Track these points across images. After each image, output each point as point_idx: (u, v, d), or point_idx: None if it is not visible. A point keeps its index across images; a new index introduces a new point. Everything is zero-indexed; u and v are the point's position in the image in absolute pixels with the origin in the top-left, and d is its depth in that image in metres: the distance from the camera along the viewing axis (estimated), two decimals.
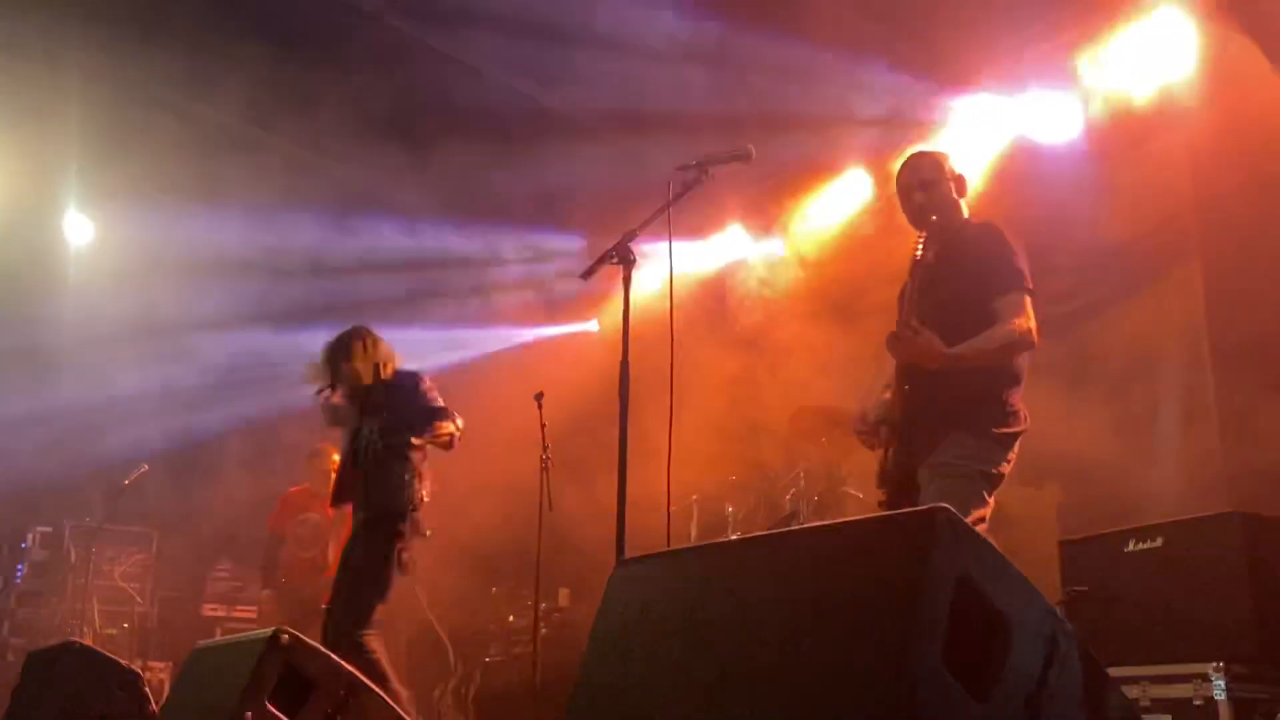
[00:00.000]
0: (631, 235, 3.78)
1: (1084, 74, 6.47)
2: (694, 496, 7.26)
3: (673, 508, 3.99)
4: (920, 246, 3.76)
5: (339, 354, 5.76)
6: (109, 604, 8.04)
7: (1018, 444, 3.68)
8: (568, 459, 6.29)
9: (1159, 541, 4.65)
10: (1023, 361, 3.77)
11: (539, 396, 6.08)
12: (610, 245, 3.76)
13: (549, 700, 6.02)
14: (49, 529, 8.25)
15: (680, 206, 3.81)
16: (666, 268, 3.90)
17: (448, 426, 5.58)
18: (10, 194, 7.68)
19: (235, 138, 7.06)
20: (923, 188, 3.91)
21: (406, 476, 5.54)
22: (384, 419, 5.56)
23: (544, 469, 6.03)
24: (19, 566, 8.20)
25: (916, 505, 3.56)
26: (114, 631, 7.93)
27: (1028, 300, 3.67)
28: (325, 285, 9.16)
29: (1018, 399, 3.72)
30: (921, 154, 4.12)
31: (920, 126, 7.03)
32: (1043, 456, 6.75)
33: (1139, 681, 4.41)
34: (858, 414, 3.98)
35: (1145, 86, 6.25)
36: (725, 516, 7.05)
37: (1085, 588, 4.84)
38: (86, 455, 8.00)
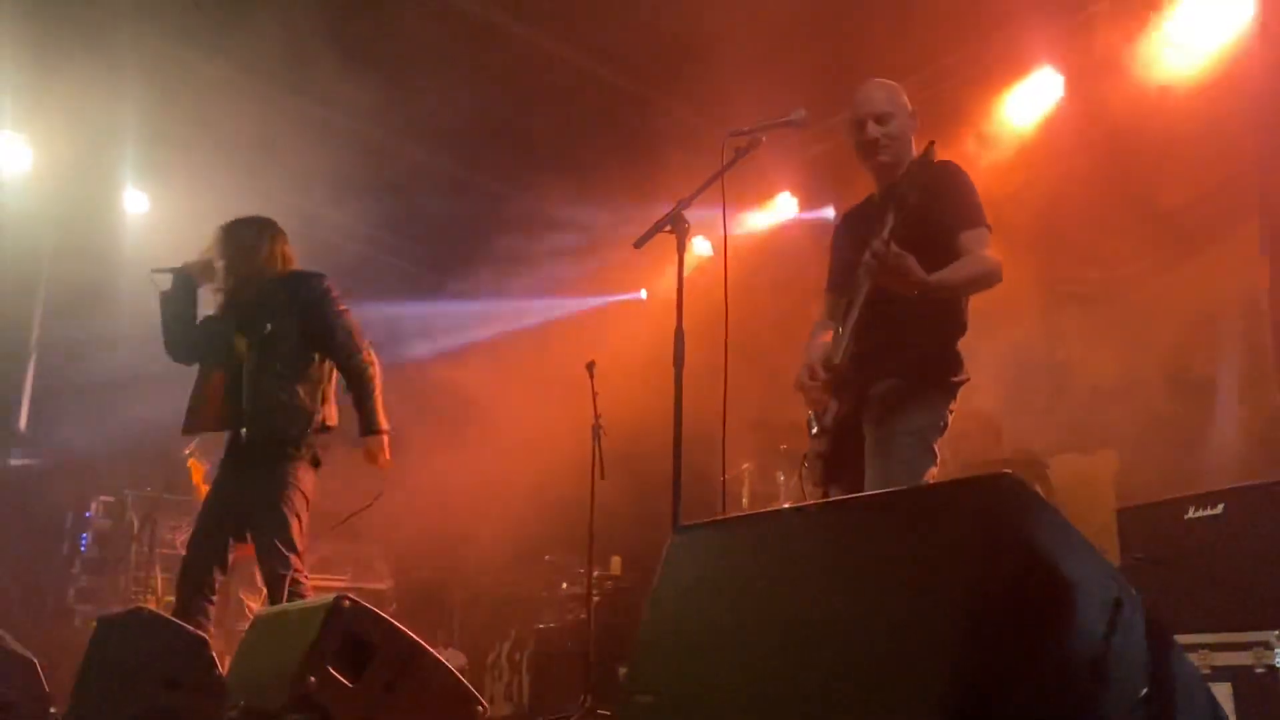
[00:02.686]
0: (685, 203, 3.75)
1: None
2: (745, 465, 7.26)
3: (725, 475, 3.99)
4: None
5: (246, 235, 4.90)
6: (171, 572, 8.17)
7: (960, 392, 3.58)
8: (619, 427, 6.31)
9: (1219, 508, 4.58)
10: (967, 309, 3.66)
11: (590, 366, 6.11)
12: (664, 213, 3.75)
13: (601, 665, 6.09)
14: (111, 498, 8.42)
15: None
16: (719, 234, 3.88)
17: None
18: (69, 168, 7.79)
19: (288, 111, 7.09)
20: (879, 120, 3.70)
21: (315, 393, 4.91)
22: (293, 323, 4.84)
23: (596, 438, 6.07)
24: (83, 535, 8.39)
25: (861, 457, 3.50)
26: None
27: (989, 236, 3.54)
28: (372, 253, 9.22)
29: (959, 347, 3.63)
30: (877, 83, 3.82)
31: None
32: (1100, 422, 6.72)
33: (1199, 649, 4.37)
34: (806, 369, 3.67)
35: (1204, 47, 6.12)
36: (778, 485, 7.05)
37: (1143, 555, 4.79)
38: (147, 424, 8.13)
